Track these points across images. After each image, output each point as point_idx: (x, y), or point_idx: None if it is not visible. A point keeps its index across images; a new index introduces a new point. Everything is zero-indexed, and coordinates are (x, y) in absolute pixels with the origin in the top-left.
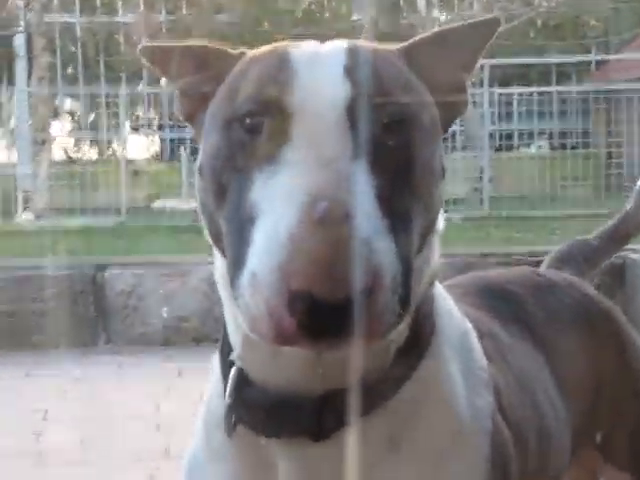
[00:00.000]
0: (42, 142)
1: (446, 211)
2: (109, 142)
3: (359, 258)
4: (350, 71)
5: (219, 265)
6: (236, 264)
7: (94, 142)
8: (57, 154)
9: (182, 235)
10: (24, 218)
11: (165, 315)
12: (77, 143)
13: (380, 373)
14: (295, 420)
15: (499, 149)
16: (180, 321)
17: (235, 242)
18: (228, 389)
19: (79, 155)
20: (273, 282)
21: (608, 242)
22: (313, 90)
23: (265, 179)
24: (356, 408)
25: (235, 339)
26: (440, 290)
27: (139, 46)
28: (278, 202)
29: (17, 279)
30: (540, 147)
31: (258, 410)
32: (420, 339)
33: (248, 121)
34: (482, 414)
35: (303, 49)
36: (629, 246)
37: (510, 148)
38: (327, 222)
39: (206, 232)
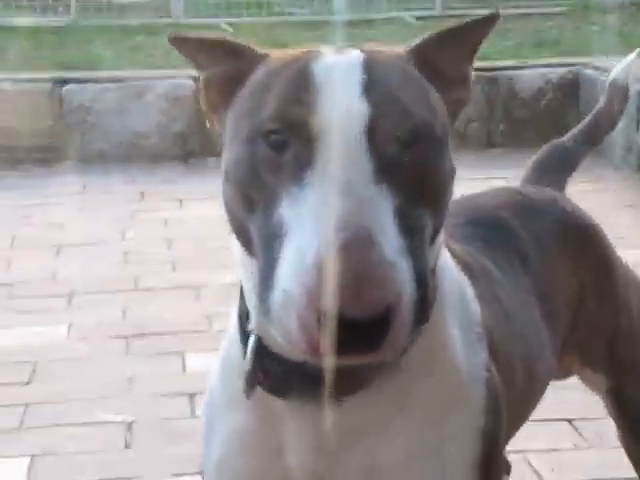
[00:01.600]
0: None
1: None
2: None
3: (382, 280)
4: (368, 89)
5: (237, 246)
6: (266, 279)
7: None
8: None
9: (135, 37)
10: None
11: (123, 131)
12: None
13: None
14: (308, 384)
15: None
16: (139, 138)
17: (264, 256)
18: (247, 356)
19: None
20: (304, 303)
21: (584, 143)
22: (334, 112)
23: (292, 200)
24: (366, 373)
25: (252, 311)
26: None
27: (169, 35)
28: (306, 226)
29: None
30: None
31: (274, 375)
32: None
33: (273, 138)
34: (478, 367)
35: (323, 63)
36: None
37: None
38: (352, 248)
39: (232, 231)
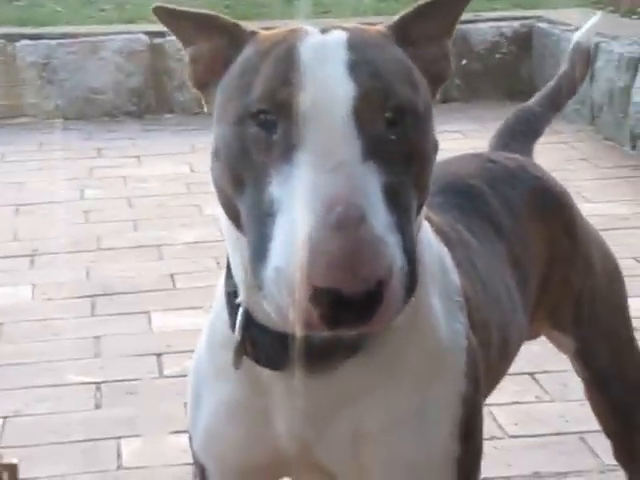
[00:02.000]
0: None
1: None
2: None
3: (374, 256)
4: (353, 68)
5: (225, 221)
6: (258, 256)
7: None
8: None
9: None
10: None
11: (79, 88)
12: None
13: None
14: (293, 355)
15: None
16: (94, 93)
17: (256, 234)
18: (237, 328)
19: None
20: (297, 279)
21: (549, 108)
22: (322, 92)
23: (282, 178)
24: (350, 343)
25: (240, 284)
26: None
27: (152, 5)
28: (297, 204)
29: None
30: None
31: (262, 345)
32: None
33: (262, 118)
34: (458, 335)
35: (309, 43)
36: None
37: None
38: (343, 225)
39: (221, 206)
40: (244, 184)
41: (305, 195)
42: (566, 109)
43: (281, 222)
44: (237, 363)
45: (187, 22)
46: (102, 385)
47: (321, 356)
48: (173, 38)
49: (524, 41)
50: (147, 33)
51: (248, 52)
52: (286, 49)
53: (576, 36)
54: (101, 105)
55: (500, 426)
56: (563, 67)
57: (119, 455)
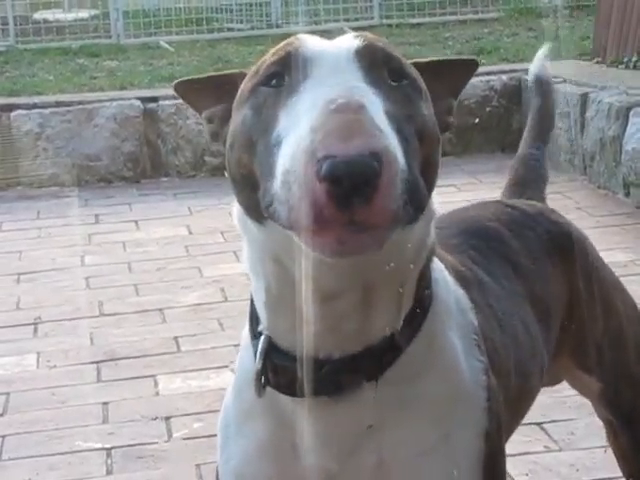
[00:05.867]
0: None
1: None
2: None
3: (369, 130)
4: (358, 38)
5: (248, 245)
6: (268, 181)
7: None
8: None
9: (76, 59)
10: None
11: (74, 155)
12: None
13: (389, 341)
14: (316, 381)
15: None
16: (90, 160)
17: (265, 165)
18: (257, 355)
19: None
20: (304, 163)
21: (542, 146)
22: (327, 44)
23: (287, 112)
24: (369, 370)
25: (262, 312)
26: (436, 262)
27: (174, 82)
28: (301, 117)
29: None
30: None
31: (284, 372)
32: (421, 308)
33: (272, 78)
34: (478, 371)
35: (312, 39)
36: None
37: None
38: (343, 110)
39: (240, 203)
40: (257, 143)
41: (308, 105)
42: (559, 159)
43: (286, 138)
44: (259, 391)
45: (197, 89)
46: (112, 451)
47: (340, 379)
48: (165, 103)
49: (513, 94)
50: (140, 99)
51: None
52: (288, 42)
53: (532, 70)
54: (97, 171)
55: (511, 477)
56: (534, 103)
57: None
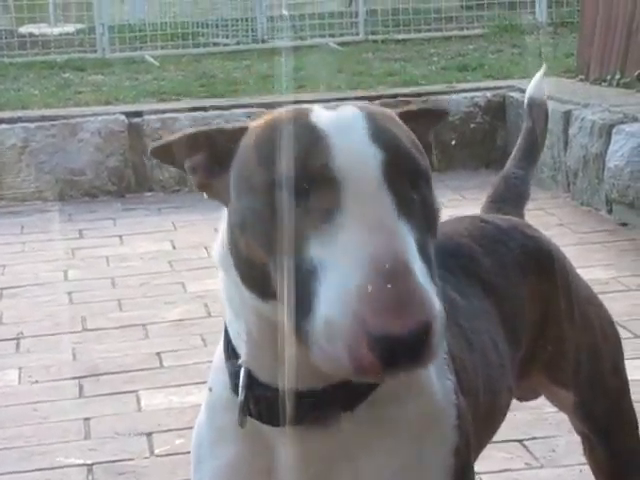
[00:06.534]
0: None
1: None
2: None
3: (422, 303)
4: (376, 136)
5: (227, 290)
6: (302, 312)
7: None
8: None
9: (62, 73)
10: None
11: (58, 170)
12: None
13: None
14: (296, 411)
15: None
16: (74, 174)
17: (297, 292)
18: (240, 388)
19: None
20: (352, 329)
21: (527, 167)
22: (352, 158)
23: (323, 239)
24: (348, 401)
25: (241, 347)
26: None
27: (149, 150)
28: (344, 260)
29: None
30: None
31: (264, 403)
32: None
33: (294, 187)
34: (448, 391)
35: (325, 116)
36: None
37: None
38: (394, 277)
39: (241, 277)
40: (275, 251)
41: (352, 252)
42: (542, 176)
43: (328, 277)
44: (242, 422)
45: (174, 149)
46: (93, 467)
47: (319, 409)
48: (150, 117)
49: (497, 110)
50: (125, 113)
51: (254, 137)
52: (303, 124)
53: (529, 92)
54: (81, 186)
55: None
56: (525, 124)
57: None
